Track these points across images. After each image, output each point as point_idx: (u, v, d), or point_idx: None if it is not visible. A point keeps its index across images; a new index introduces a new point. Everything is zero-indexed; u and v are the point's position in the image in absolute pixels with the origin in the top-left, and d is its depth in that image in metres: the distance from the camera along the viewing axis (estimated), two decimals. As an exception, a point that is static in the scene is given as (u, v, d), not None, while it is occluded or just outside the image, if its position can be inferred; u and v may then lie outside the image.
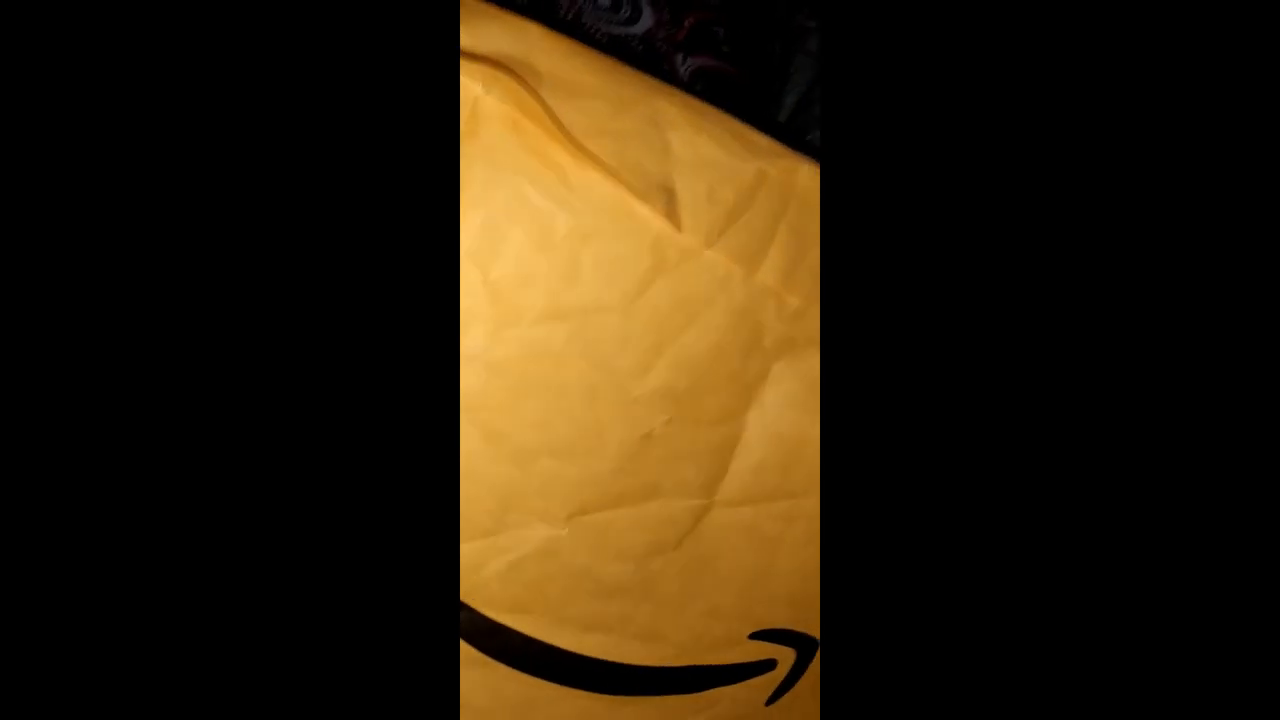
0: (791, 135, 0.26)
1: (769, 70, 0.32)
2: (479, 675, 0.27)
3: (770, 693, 0.30)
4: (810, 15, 0.34)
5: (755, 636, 0.29)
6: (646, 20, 0.29)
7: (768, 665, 0.29)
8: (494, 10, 0.24)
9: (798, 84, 0.36)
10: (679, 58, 0.30)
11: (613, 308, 0.24)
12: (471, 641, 0.27)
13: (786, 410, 0.27)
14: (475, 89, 0.22)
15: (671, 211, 0.24)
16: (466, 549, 0.26)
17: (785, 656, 0.29)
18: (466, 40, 0.22)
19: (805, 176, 0.25)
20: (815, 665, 0.30)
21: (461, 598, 0.26)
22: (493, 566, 0.26)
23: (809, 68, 0.35)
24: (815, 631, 0.29)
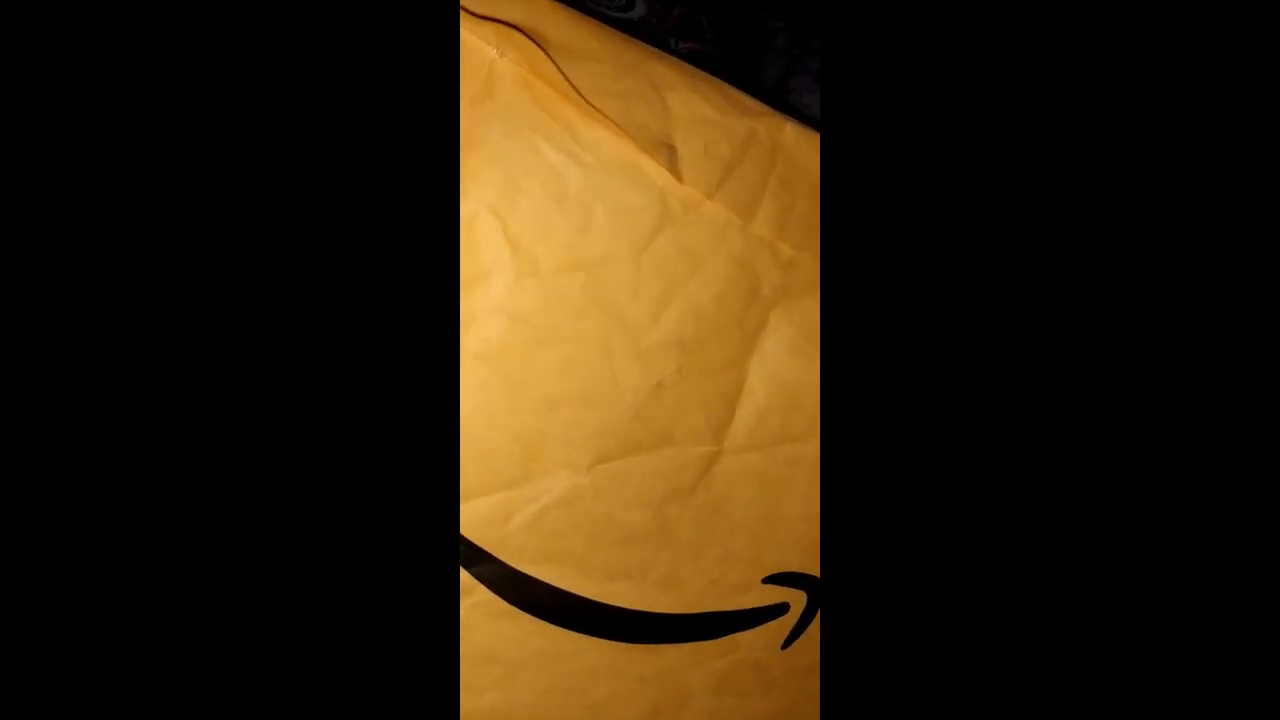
0: (776, 99, 0.28)
1: (749, 58, 0.34)
2: (507, 627, 0.28)
3: (785, 636, 0.31)
4: (778, 16, 0.37)
5: (768, 581, 0.30)
6: (640, 9, 0.32)
7: (781, 609, 0.31)
8: None
9: (770, 78, 0.38)
10: (670, 42, 0.33)
11: (623, 257, 0.26)
12: (500, 593, 0.28)
13: (785, 357, 0.29)
14: (490, 52, 0.24)
15: (673, 165, 0.26)
16: (494, 500, 0.27)
17: (797, 599, 0.31)
18: (479, 7, 0.24)
19: (790, 134, 0.28)
20: (827, 607, 0.31)
21: (489, 549, 0.27)
22: (519, 517, 0.27)
23: (779, 64, 0.38)
24: (824, 573, 0.31)
